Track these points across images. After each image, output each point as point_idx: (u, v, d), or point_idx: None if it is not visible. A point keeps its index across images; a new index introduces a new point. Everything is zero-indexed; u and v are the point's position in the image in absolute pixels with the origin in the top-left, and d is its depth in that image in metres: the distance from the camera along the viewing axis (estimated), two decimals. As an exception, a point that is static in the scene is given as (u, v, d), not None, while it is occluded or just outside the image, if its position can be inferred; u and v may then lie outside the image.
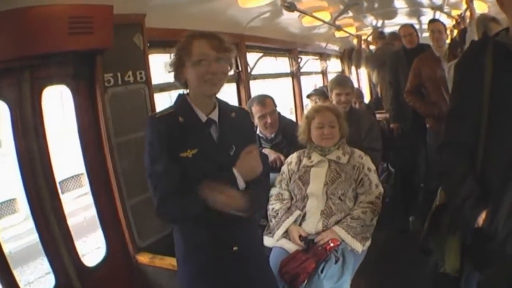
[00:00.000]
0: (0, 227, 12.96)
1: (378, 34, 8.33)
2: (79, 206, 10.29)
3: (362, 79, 10.48)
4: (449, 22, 7.83)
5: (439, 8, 7.39)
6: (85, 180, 3.58)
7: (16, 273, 9.14)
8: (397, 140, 6.35)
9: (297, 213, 3.76)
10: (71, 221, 3.91)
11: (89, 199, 3.75)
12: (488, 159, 2.34)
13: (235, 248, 2.68)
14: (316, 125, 3.99)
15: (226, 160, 2.63)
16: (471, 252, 2.50)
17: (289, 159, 4.13)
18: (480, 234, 2.34)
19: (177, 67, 2.59)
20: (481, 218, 2.31)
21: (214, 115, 2.65)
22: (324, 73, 9.16)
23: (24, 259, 10.23)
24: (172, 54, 2.65)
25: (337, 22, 7.14)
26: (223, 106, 2.73)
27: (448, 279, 3.37)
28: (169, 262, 3.41)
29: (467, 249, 2.53)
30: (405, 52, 6.48)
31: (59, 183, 3.68)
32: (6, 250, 3.22)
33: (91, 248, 3.57)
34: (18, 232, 12.10)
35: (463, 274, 2.66)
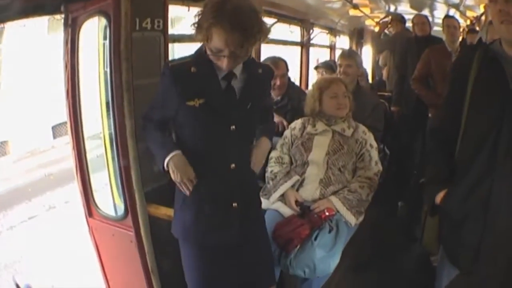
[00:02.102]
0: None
1: (399, 17, 8.29)
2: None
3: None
4: (462, 22, 7.90)
5: (456, 6, 7.44)
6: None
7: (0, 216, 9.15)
8: (396, 123, 6.39)
9: (295, 178, 3.76)
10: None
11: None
12: (461, 147, 2.56)
13: (234, 205, 2.71)
14: (331, 95, 4.00)
15: (241, 114, 2.64)
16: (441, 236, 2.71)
17: (293, 124, 4.13)
18: (441, 213, 2.63)
19: (197, 33, 2.47)
20: (439, 196, 2.58)
21: (237, 69, 2.60)
22: (332, 48, 9.18)
23: (9, 202, 10.28)
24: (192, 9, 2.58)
25: (354, 1, 7.15)
26: (249, 60, 2.67)
27: (431, 268, 3.43)
28: (164, 212, 3.38)
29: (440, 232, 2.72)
30: (416, 40, 6.61)
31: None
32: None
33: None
34: (7, 174, 12.17)
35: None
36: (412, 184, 6.24)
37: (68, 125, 3.68)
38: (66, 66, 3.63)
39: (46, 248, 7.72)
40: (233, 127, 2.61)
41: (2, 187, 11.13)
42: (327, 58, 8.83)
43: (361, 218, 3.76)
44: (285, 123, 4.45)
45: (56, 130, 15.22)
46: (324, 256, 3.33)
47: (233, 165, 2.67)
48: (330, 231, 3.43)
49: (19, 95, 14.18)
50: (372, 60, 9.96)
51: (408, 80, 6.10)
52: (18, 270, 6.81)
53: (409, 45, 6.67)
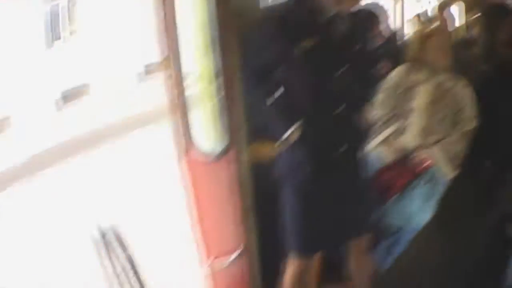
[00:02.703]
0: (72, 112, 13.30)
1: None
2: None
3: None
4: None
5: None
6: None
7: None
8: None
9: (397, 124, 3.75)
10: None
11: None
12: None
13: (342, 149, 2.71)
14: (435, 44, 3.86)
15: (348, 57, 2.63)
16: None
17: (396, 70, 4.03)
18: None
19: None
20: None
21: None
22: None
23: (90, 144, 10.58)
24: None
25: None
26: None
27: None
28: (267, 150, 3.25)
29: None
30: None
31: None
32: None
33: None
34: (88, 117, 12.42)
35: None
36: (502, 143, 6.10)
37: (167, 61, 3.64)
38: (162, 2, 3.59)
39: (129, 191, 7.87)
40: (343, 69, 2.60)
41: (84, 129, 11.38)
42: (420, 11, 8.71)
43: (456, 172, 3.71)
44: (389, 66, 4.34)
45: (146, 70, 15.32)
46: (420, 208, 3.35)
47: (342, 107, 2.65)
48: (427, 182, 3.42)
49: (103, 35, 14.33)
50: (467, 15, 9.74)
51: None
52: (102, 211, 6.98)
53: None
